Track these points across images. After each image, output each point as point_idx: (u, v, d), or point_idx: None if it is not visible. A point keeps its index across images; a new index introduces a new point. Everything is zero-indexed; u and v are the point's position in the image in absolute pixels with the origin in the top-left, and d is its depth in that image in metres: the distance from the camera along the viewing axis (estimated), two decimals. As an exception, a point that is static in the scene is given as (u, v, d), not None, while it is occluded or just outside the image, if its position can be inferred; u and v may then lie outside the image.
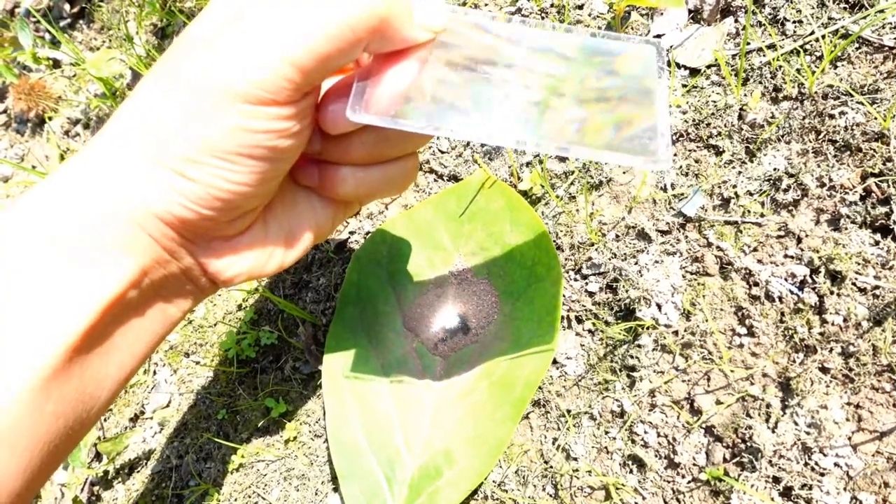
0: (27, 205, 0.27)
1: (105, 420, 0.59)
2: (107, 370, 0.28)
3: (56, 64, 0.84)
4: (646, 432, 0.39)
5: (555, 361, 0.43)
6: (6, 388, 0.24)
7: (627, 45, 0.33)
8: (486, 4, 0.55)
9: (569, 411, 0.41)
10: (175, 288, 0.31)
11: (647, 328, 0.40)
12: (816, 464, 0.35)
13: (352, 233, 0.53)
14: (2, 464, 0.24)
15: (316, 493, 0.46)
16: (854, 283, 0.36)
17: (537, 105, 0.31)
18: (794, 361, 0.37)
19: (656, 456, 0.39)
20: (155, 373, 0.58)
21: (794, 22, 0.43)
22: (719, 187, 0.41)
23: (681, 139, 0.44)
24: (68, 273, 0.26)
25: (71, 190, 0.27)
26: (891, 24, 0.40)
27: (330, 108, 0.30)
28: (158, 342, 0.31)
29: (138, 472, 0.54)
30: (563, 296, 0.43)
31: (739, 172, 0.41)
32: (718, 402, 0.38)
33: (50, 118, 0.80)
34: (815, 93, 0.41)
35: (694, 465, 0.38)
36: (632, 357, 0.40)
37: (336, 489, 0.46)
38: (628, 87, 0.31)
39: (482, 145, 0.50)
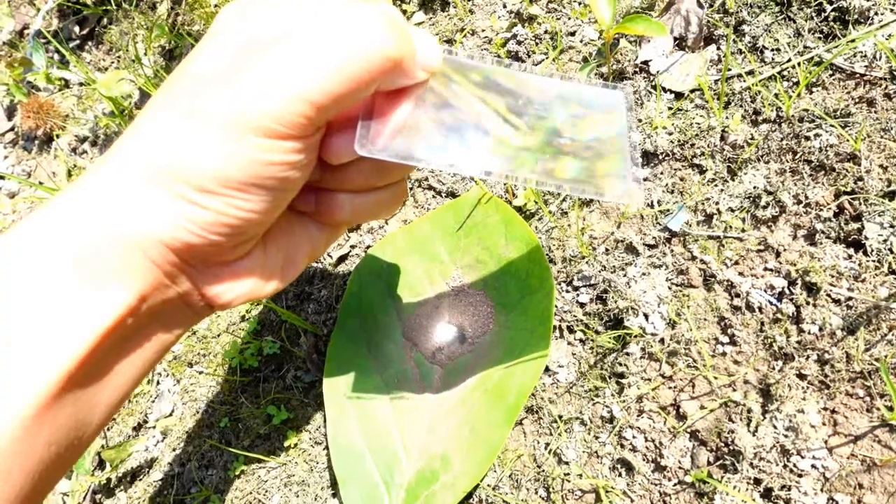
0: (31, 227, 0.27)
1: (109, 429, 0.60)
2: (100, 397, 0.28)
3: (65, 84, 0.86)
4: (634, 437, 0.41)
5: (547, 369, 0.44)
6: (1, 415, 0.24)
7: (600, 92, 0.36)
8: (482, 31, 0.57)
9: (560, 417, 0.43)
10: (171, 313, 0.31)
11: (635, 337, 0.42)
12: (795, 466, 0.37)
13: (353, 246, 0.55)
14: None
15: (315, 499, 0.48)
16: (829, 295, 0.39)
17: (520, 147, 0.33)
18: (773, 368, 0.39)
19: (644, 460, 0.40)
20: (158, 383, 0.60)
21: (771, 50, 0.46)
22: (703, 204, 0.44)
23: (666, 159, 0.46)
24: (66, 300, 0.26)
25: (73, 214, 0.27)
26: (861, 52, 0.43)
27: (332, 141, 0.31)
28: (152, 367, 0.31)
29: (140, 479, 0.56)
30: (556, 306, 0.45)
31: (721, 190, 0.44)
32: (702, 408, 0.40)
33: (58, 136, 0.83)
34: (792, 116, 0.43)
35: (680, 468, 0.39)
36: (620, 365, 0.42)
37: (335, 495, 0.47)
38: (602, 134, 0.35)
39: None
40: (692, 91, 0.47)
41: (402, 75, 0.29)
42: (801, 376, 0.38)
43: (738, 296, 0.41)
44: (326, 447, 0.48)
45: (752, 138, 0.44)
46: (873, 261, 0.38)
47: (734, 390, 0.39)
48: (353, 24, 0.27)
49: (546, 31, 0.55)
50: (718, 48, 0.48)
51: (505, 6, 0.58)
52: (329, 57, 0.26)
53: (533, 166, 0.33)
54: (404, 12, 0.63)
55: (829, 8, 0.45)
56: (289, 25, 0.27)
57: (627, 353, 0.42)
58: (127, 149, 0.28)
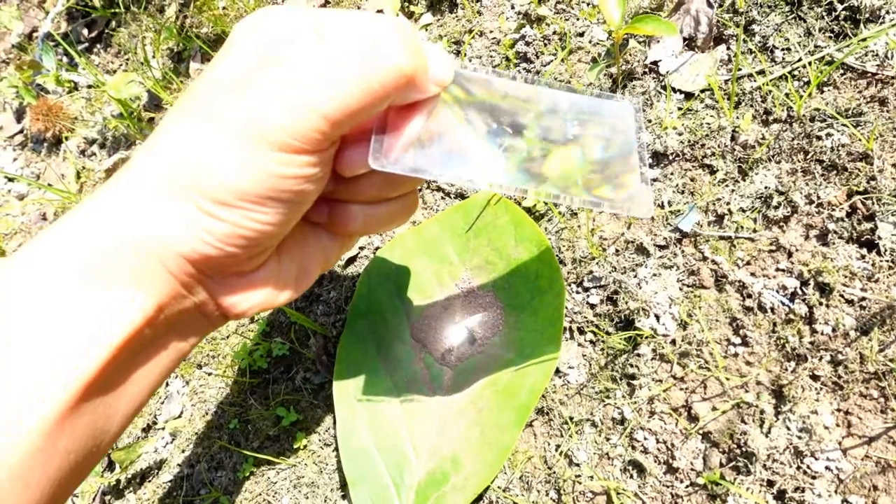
0: (49, 241, 0.27)
1: (118, 430, 0.60)
2: (117, 405, 0.29)
3: (74, 86, 0.86)
4: (645, 438, 0.41)
5: (557, 370, 0.44)
6: (21, 423, 0.24)
7: (610, 104, 0.36)
8: (490, 32, 0.57)
9: (571, 419, 0.43)
10: (188, 322, 0.31)
11: (646, 338, 0.42)
12: (808, 467, 0.36)
13: (361, 248, 0.55)
14: (13, 499, 0.24)
15: (325, 501, 0.48)
16: (842, 295, 0.38)
17: (532, 160, 0.34)
18: (786, 369, 0.39)
19: (656, 461, 0.40)
20: (168, 384, 0.60)
21: (782, 49, 0.45)
22: (714, 204, 0.44)
23: (676, 159, 0.46)
24: (84, 312, 0.26)
25: (90, 226, 0.27)
26: (873, 51, 0.43)
27: (346, 154, 0.32)
28: (168, 375, 0.32)
29: (150, 481, 0.56)
30: (566, 307, 0.45)
31: (732, 190, 0.43)
32: (714, 409, 0.40)
33: (66, 138, 0.83)
34: (803, 116, 0.43)
35: (692, 469, 0.39)
36: (631, 366, 0.42)
37: (345, 496, 0.47)
38: (612, 148, 0.35)
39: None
40: (702, 91, 0.47)
41: (415, 90, 0.30)
42: (815, 377, 0.38)
43: (749, 296, 0.41)
44: (336, 449, 0.48)
45: (763, 138, 0.44)
46: (887, 261, 0.38)
47: (746, 391, 0.39)
48: (367, 40, 0.27)
49: (555, 32, 0.55)
50: (728, 48, 0.48)
51: (513, 7, 0.58)
52: (343, 72, 0.27)
53: (549, 184, 0.33)
54: (412, 14, 0.63)
55: (839, 7, 0.44)
56: (304, 39, 0.27)
57: (638, 355, 0.42)
58: (147, 158, 0.28)
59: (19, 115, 0.91)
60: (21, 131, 0.91)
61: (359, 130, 0.32)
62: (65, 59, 0.88)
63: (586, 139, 0.35)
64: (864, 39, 0.43)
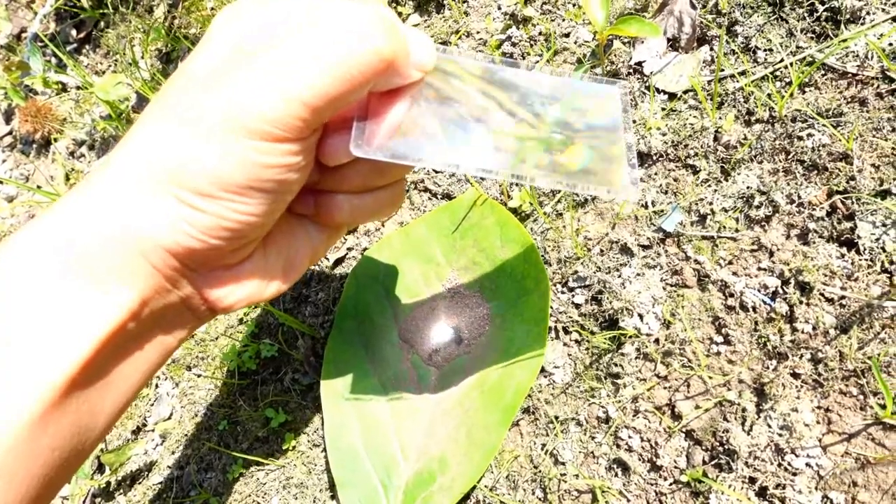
0: (29, 233, 0.27)
1: (108, 432, 0.60)
2: (103, 402, 0.28)
3: (62, 87, 0.86)
4: (630, 437, 0.41)
5: (543, 370, 0.45)
6: (2, 419, 0.24)
7: (597, 87, 0.36)
8: (478, 32, 0.58)
9: (557, 418, 0.43)
10: (173, 317, 0.31)
11: (630, 337, 0.43)
12: (789, 464, 0.37)
13: (349, 249, 0.55)
14: None
15: (314, 501, 0.48)
16: (822, 294, 0.39)
17: (517, 143, 0.33)
18: (767, 368, 0.39)
19: (640, 459, 0.41)
20: (157, 386, 0.60)
21: (764, 50, 0.46)
22: (696, 204, 0.44)
23: (660, 159, 0.46)
24: (67, 305, 0.26)
25: (74, 218, 0.27)
26: (853, 52, 0.43)
27: (329, 142, 0.32)
28: (155, 371, 0.32)
29: (140, 483, 0.56)
30: (551, 307, 0.46)
31: (715, 190, 0.44)
32: (697, 407, 0.40)
33: (55, 139, 0.83)
34: (785, 116, 0.43)
35: (675, 467, 0.40)
36: (616, 365, 0.43)
37: (333, 497, 0.47)
38: (598, 130, 0.35)
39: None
40: (685, 92, 0.47)
41: (396, 75, 0.29)
42: (795, 375, 0.38)
43: (732, 295, 0.41)
44: (324, 449, 0.49)
45: (746, 138, 0.44)
46: (866, 259, 0.38)
47: (729, 390, 0.40)
48: (345, 25, 0.27)
49: (540, 33, 0.55)
50: (711, 49, 0.48)
51: (500, 8, 0.58)
52: (322, 58, 0.26)
53: (540, 158, 0.33)
54: (400, 14, 0.63)
55: (821, 8, 0.45)
56: (282, 28, 0.27)
57: (622, 354, 0.43)
58: (124, 155, 0.28)
59: (8, 116, 0.91)
60: (10, 133, 0.90)
61: (341, 118, 0.32)
62: (53, 61, 0.87)
63: (584, 117, 0.35)
64: (844, 40, 0.43)
